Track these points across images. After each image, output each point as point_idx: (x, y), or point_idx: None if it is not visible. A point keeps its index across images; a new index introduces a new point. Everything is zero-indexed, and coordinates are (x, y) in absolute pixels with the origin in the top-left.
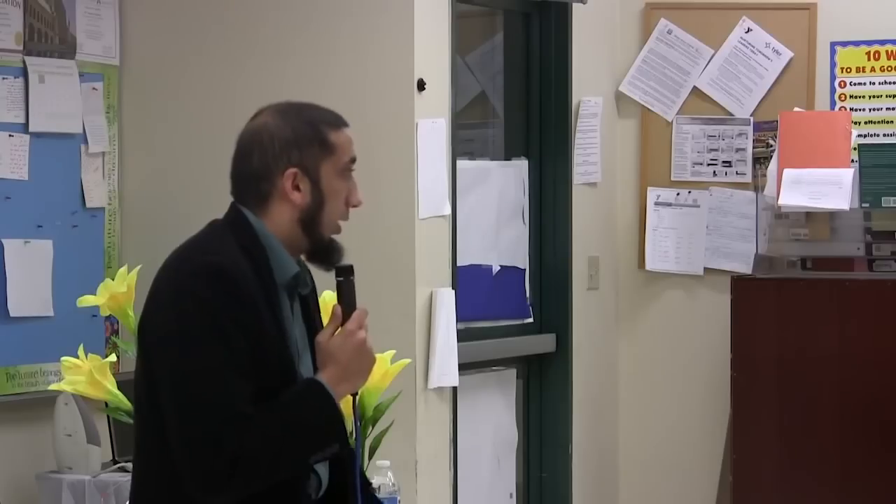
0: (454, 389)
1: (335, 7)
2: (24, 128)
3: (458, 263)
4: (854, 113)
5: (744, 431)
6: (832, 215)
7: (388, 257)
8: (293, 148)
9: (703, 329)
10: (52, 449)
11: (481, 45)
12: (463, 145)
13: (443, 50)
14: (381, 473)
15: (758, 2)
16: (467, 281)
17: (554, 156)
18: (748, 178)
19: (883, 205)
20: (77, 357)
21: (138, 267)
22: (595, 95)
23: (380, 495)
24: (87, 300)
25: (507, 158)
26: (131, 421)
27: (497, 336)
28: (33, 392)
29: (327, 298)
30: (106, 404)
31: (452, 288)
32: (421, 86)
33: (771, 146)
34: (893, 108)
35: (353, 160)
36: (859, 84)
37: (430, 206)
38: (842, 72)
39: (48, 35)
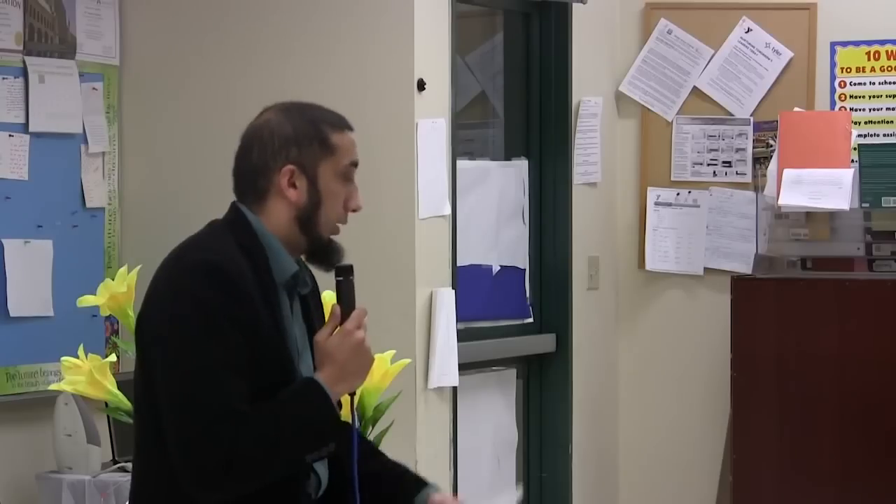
0: (454, 389)
1: (335, 7)
2: (24, 128)
3: (458, 263)
4: (854, 113)
5: (744, 431)
6: (832, 215)
7: (388, 257)
8: (292, 145)
9: (703, 329)
10: (52, 449)
11: (481, 45)
12: (463, 145)
13: (443, 50)
14: None
15: (758, 2)
16: (467, 281)
17: (554, 156)
18: (748, 178)
19: (883, 205)
20: (77, 357)
21: (138, 267)
22: (595, 95)
23: None
24: (87, 300)
25: (507, 158)
26: (131, 421)
27: (497, 336)
28: (33, 392)
29: (327, 298)
30: (106, 404)
31: (452, 288)
32: (421, 86)
33: (771, 146)
34: (893, 108)
35: (355, 164)
36: (859, 84)
37: (430, 206)
38: (842, 72)
39: (48, 35)
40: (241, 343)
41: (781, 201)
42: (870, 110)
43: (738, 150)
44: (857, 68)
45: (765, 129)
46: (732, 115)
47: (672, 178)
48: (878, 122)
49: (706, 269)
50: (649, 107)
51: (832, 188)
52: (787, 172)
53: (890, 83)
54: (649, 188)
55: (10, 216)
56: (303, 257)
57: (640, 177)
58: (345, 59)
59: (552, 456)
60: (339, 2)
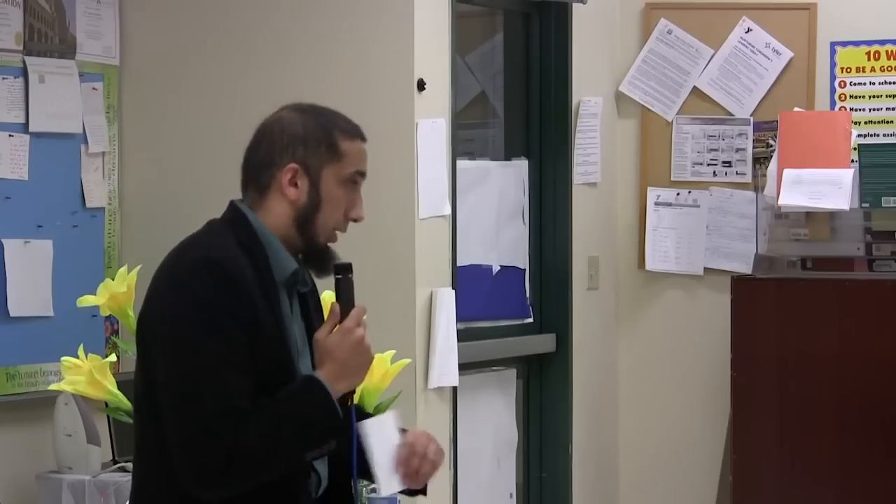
0: (454, 389)
1: (335, 7)
2: (24, 128)
3: (458, 263)
4: (854, 113)
5: (744, 431)
6: (832, 215)
7: (388, 257)
8: (299, 145)
9: (703, 329)
10: (52, 449)
11: (481, 45)
12: (463, 145)
13: (443, 50)
14: None
15: (758, 2)
16: (467, 281)
17: (554, 156)
18: (748, 178)
19: (883, 205)
20: (77, 357)
21: (138, 267)
22: (595, 95)
23: (379, 495)
24: (87, 300)
25: (507, 158)
26: (131, 421)
27: (497, 336)
28: (33, 392)
29: (327, 298)
30: (106, 404)
31: (452, 288)
32: (421, 86)
33: (771, 146)
34: (893, 108)
35: (362, 173)
36: (859, 84)
37: (430, 206)
38: (842, 72)
39: (48, 35)
40: (242, 341)
41: (781, 201)
42: (870, 110)
43: (738, 150)
44: (857, 68)
45: (765, 129)
46: (732, 115)
47: (672, 178)
48: (878, 122)
49: (706, 269)
50: (649, 107)
51: (832, 188)
52: (787, 172)
53: (890, 83)
54: (649, 188)
55: (10, 216)
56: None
57: (640, 177)
58: (345, 59)
59: (552, 456)
60: (339, 2)
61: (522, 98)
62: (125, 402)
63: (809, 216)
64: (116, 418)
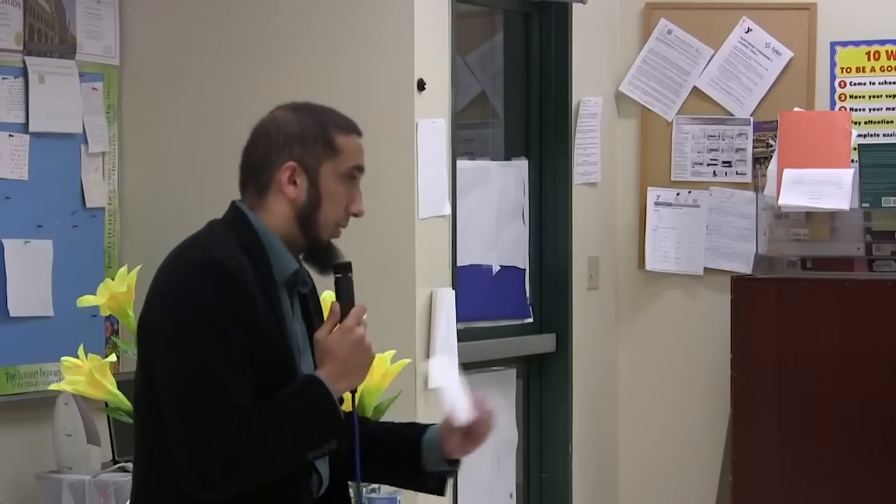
0: None
1: (335, 7)
2: (24, 128)
3: (458, 263)
4: (854, 113)
5: (744, 431)
6: (832, 215)
7: (388, 257)
8: (296, 143)
9: (703, 329)
10: (52, 449)
11: (481, 45)
12: (463, 145)
13: (443, 50)
14: None
15: (758, 2)
16: (467, 281)
17: (554, 156)
18: (748, 178)
19: (883, 205)
20: (77, 357)
21: (138, 267)
22: (595, 95)
23: (379, 495)
24: (87, 300)
25: (507, 158)
26: (131, 421)
27: (497, 336)
28: (33, 392)
29: (327, 298)
30: (106, 404)
31: (452, 288)
32: (421, 86)
33: (771, 146)
34: (893, 108)
35: (360, 168)
36: (859, 84)
37: (430, 206)
38: (842, 72)
39: (48, 35)
40: (243, 341)
41: (781, 201)
42: (870, 110)
43: (738, 150)
44: (857, 68)
45: (765, 129)
46: (732, 115)
47: (672, 178)
48: (878, 122)
49: (706, 269)
50: (649, 107)
51: (832, 188)
52: (787, 172)
53: (890, 83)
54: (649, 188)
55: (10, 216)
56: (301, 256)
57: (640, 177)
58: (345, 59)
59: (552, 456)
60: (339, 2)
61: (522, 98)
62: (125, 402)
63: (809, 216)
64: (116, 418)
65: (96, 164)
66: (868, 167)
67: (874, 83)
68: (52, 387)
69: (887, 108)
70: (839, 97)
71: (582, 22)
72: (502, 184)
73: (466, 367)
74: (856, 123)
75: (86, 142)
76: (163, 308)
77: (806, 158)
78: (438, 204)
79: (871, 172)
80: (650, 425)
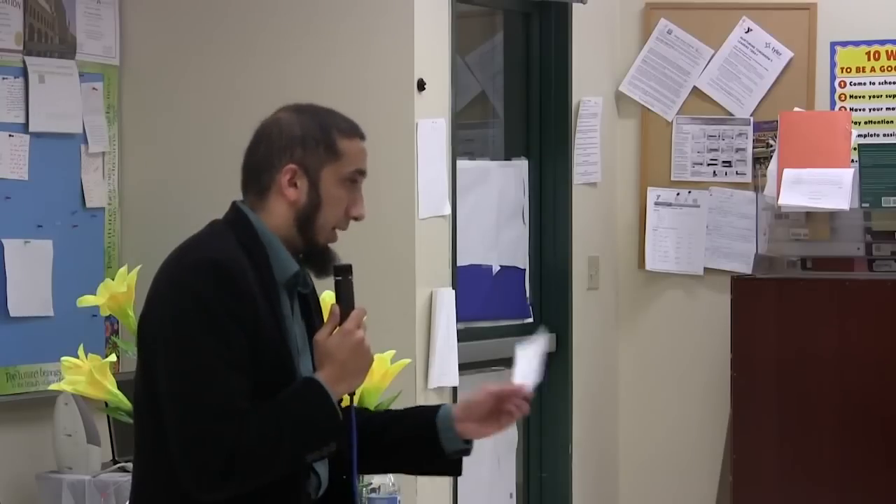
0: (454, 389)
1: (335, 7)
2: (24, 128)
3: (458, 263)
4: (854, 113)
5: (744, 431)
6: (832, 215)
7: (388, 257)
8: (297, 145)
9: (703, 329)
10: (52, 449)
11: (481, 45)
12: (463, 145)
13: (443, 50)
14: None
15: (758, 2)
16: (467, 281)
17: (554, 156)
18: (748, 178)
19: (883, 205)
20: (77, 357)
21: (138, 267)
22: (595, 95)
23: (379, 495)
24: (87, 300)
25: (507, 158)
26: (131, 421)
27: (497, 336)
28: (33, 392)
29: (327, 299)
30: (106, 404)
31: (452, 288)
32: (421, 86)
33: (771, 146)
34: (893, 108)
35: (362, 172)
36: (859, 84)
37: (430, 206)
38: (842, 72)
39: (48, 35)
40: (243, 342)
41: (781, 201)
42: (870, 110)
43: (738, 150)
44: (857, 68)
45: (765, 129)
46: (732, 115)
47: (672, 178)
48: (878, 122)
49: (706, 269)
50: (649, 107)
51: (832, 188)
52: (787, 172)
53: (890, 83)
54: (649, 188)
55: (10, 216)
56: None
57: (640, 177)
58: (345, 59)
59: (552, 456)
60: (339, 2)
61: (522, 98)
62: (125, 402)
63: (809, 216)
64: (116, 418)
65: (96, 164)
66: (868, 167)
67: (874, 83)
68: (52, 387)
69: (887, 108)
70: (839, 97)
71: (582, 22)
72: (502, 184)
73: (466, 367)
74: (856, 123)
75: (86, 142)
76: (163, 308)
77: (806, 158)
78: (438, 204)
79: (871, 172)
80: (650, 425)
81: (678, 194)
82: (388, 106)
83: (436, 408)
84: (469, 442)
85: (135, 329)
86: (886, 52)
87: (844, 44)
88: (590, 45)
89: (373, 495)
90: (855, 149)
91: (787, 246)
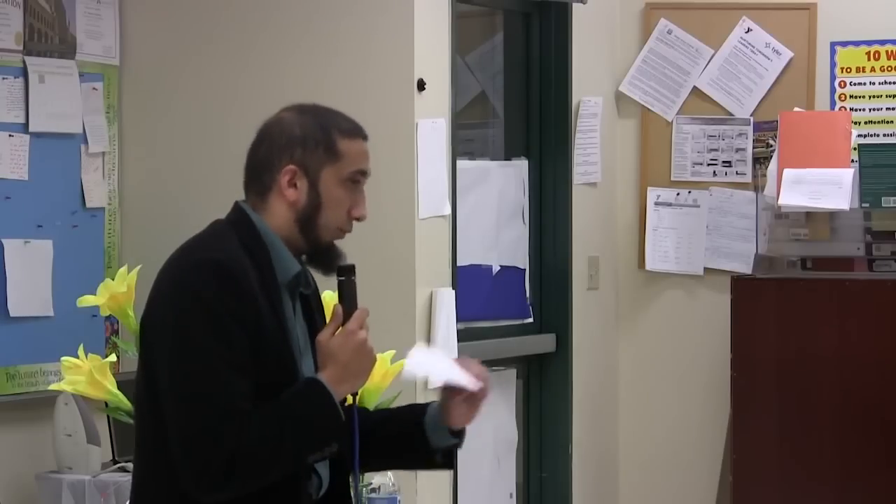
0: None
1: (335, 7)
2: (24, 128)
3: (458, 263)
4: (854, 113)
5: (744, 431)
6: (832, 215)
7: (388, 257)
8: (297, 146)
9: (703, 329)
10: (52, 449)
11: (481, 45)
12: (463, 145)
13: (443, 50)
14: (381, 473)
15: (758, 2)
16: (467, 281)
17: (554, 156)
18: (748, 178)
19: (883, 205)
20: (77, 357)
21: (138, 267)
22: (595, 95)
23: (379, 495)
24: (87, 300)
25: (507, 158)
26: (131, 421)
27: (497, 336)
28: (33, 392)
29: (327, 298)
30: (106, 404)
31: (452, 288)
32: (421, 86)
33: (771, 146)
34: (893, 108)
35: (363, 173)
36: (859, 84)
37: (430, 206)
38: (842, 72)
39: (48, 35)
40: (244, 343)
41: (781, 201)
42: (870, 110)
43: (738, 150)
44: (857, 68)
45: (765, 129)
46: (732, 115)
47: (672, 178)
48: (878, 122)
49: (706, 269)
50: (649, 107)
51: (832, 188)
52: (787, 172)
53: (890, 83)
54: (649, 188)
55: (10, 216)
56: (303, 258)
57: (640, 177)
58: (345, 59)
59: (552, 456)
60: (339, 2)
61: (522, 98)
62: (125, 402)
63: (809, 216)
64: (116, 418)
65: (96, 164)
66: (868, 167)
67: (874, 83)
68: (52, 387)
69: (887, 108)
70: (839, 97)
71: (582, 22)
72: (502, 184)
73: None
74: (856, 123)
75: (86, 142)
76: (165, 308)
77: (806, 158)
78: (438, 204)
79: (871, 172)
80: (650, 425)
81: (678, 194)
82: (388, 106)
83: (425, 405)
84: (458, 436)
85: (135, 329)
86: (886, 52)
87: (844, 44)
88: (590, 45)
89: (373, 495)
90: (855, 149)
91: (787, 246)
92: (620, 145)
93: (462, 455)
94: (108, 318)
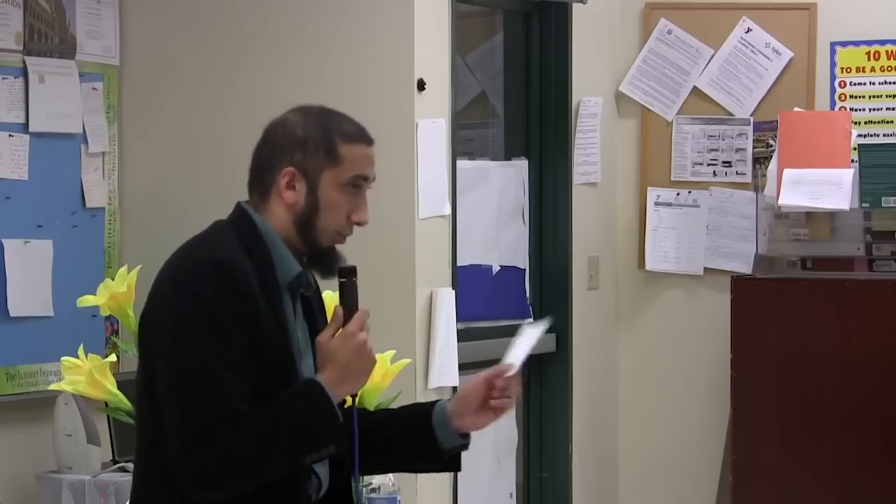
0: (454, 389)
1: (335, 7)
2: (24, 128)
3: (458, 263)
4: (854, 113)
5: (744, 431)
6: (832, 215)
7: (388, 257)
8: (298, 148)
9: (703, 329)
10: (52, 449)
11: (481, 45)
12: (463, 145)
13: (443, 50)
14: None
15: (758, 2)
16: (467, 281)
17: (554, 156)
18: (748, 178)
19: (883, 205)
20: (77, 357)
21: (138, 267)
22: (595, 95)
23: (379, 495)
24: (87, 300)
25: (507, 158)
26: (131, 421)
27: (497, 336)
28: (33, 392)
29: (327, 298)
30: (106, 404)
31: (452, 288)
32: (421, 86)
33: (771, 146)
34: (893, 108)
35: (365, 178)
36: (859, 84)
37: (430, 206)
38: (842, 72)
39: (48, 35)
40: (243, 343)
41: (781, 201)
42: (870, 110)
43: (738, 150)
44: (857, 68)
45: (765, 129)
46: (732, 115)
47: (672, 178)
48: (878, 122)
49: (706, 269)
50: (649, 107)
51: (832, 188)
52: (787, 172)
53: (890, 83)
54: (649, 188)
55: (10, 216)
56: (304, 260)
57: (640, 177)
58: (344, 59)
59: (552, 456)
60: (338, 2)
61: (522, 98)
62: (125, 402)
63: (809, 216)
64: (116, 418)
65: (96, 164)
66: (868, 167)
67: (874, 83)
68: (52, 387)
69: (887, 108)
70: (839, 97)
71: (582, 22)
72: (502, 184)
73: (466, 367)
74: (856, 123)
75: (86, 142)
76: (164, 308)
77: (806, 158)
78: (438, 204)
79: (871, 172)
80: (650, 425)
81: (678, 194)
82: (388, 106)
83: (431, 405)
84: (466, 437)
85: (135, 329)
86: (886, 52)
87: (844, 44)
88: (590, 45)
89: (373, 495)
90: (855, 149)
91: (787, 246)
92: (620, 145)
93: (462, 455)
94: (108, 318)
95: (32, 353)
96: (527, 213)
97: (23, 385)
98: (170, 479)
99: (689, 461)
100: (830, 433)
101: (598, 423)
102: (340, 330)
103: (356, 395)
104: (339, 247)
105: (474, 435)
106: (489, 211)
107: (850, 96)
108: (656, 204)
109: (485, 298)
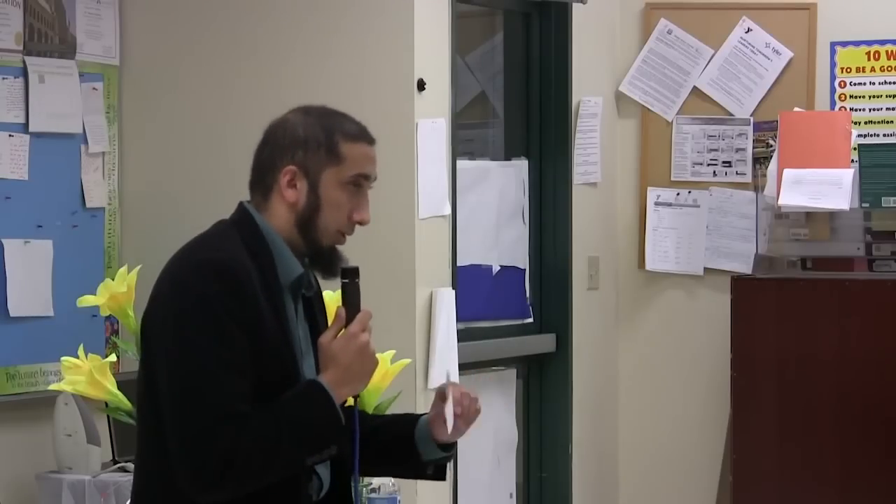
0: None
1: (335, 7)
2: (24, 128)
3: (458, 263)
4: (854, 113)
5: (744, 431)
6: (832, 215)
7: (388, 257)
8: (299, 148)
9: (703, 329)
10: (52, 449)
11: (481, 45)
12: (463, 145)
13: (443, 50)
14: None
15: (758, 2)
16: (467, 281)
17: (554, 156)
18: (748, 178)
19: (883, 205)
20: (77, 357)
21: (138, 267)
22: (595, 95)
23: (379, 495)
24: (87, 300)
25: (507, 158)
26: (131, 421)
27: (497, 336)
28: (33, 392)
29: (328, 298)
30: (106, 404)
31: (452, 288)
32: (421, 86)
33: (771, 146)
34: (893, 108)
35: (366, 177)
36: (859, 84)
37: (430, 206)
38: (842, 72)
39: (48, 35)
40: (244, 344)
41: (781, 201)
42: (870, 110)
43: (738, 150)
44: (857, 68)
45: (765, 129)
46: (732, 115)
47: (672, 178)
48: (878, 122)
49: (706, 269)
50: (649, 107)
51: (832, 188)
52: (787, 172)
53: (890, 83)
54: (649, 188)
55: (10, 216)
56: (305, 261)
57: (640, 177)
58: (344, 58)
59: (552, 456)
60: (338, 1)
61: (522, 98)
62: (125, 402)
63: (809, 216)
64: (116, 418)
65: (96, 164)
66: (868, 167)
67: (874, 83)
68: (52, 387)
69: (887, 108)
70: (839, 97)
71: (582, 22)
72: (502, 184)
73: (466, 367)
74: (856, 123)
75: (86, 142)
76: (165, 308)
77: (806, 158)
78: (438, 204)
79: (871, 172)
80: (650, 425)
81: (678, 194)
82: (388, 106)
83: (417, 417)
84: (449, 449)
85: (135, 329)
86: (886, 52)
87: (844, 44)
88: (590, 45)
89: (373, 495)
90: (855, 149)
91: (787, 246)
92: (620, 145)
93: (462, 455)
94: (108, 318)
95: (32, 353)
96: (527, 213)
97: (23, 385)
98: (170, 479)
99: (689, 461)
100: (830, 433)
101: (598, 423)
102: (342, 331)
103: (358, 395)
104: (339, 247)
105: (475, 436)
106: (489, 211)
107: (850, 96)
108: (656, 204)
109: (485, 298)
